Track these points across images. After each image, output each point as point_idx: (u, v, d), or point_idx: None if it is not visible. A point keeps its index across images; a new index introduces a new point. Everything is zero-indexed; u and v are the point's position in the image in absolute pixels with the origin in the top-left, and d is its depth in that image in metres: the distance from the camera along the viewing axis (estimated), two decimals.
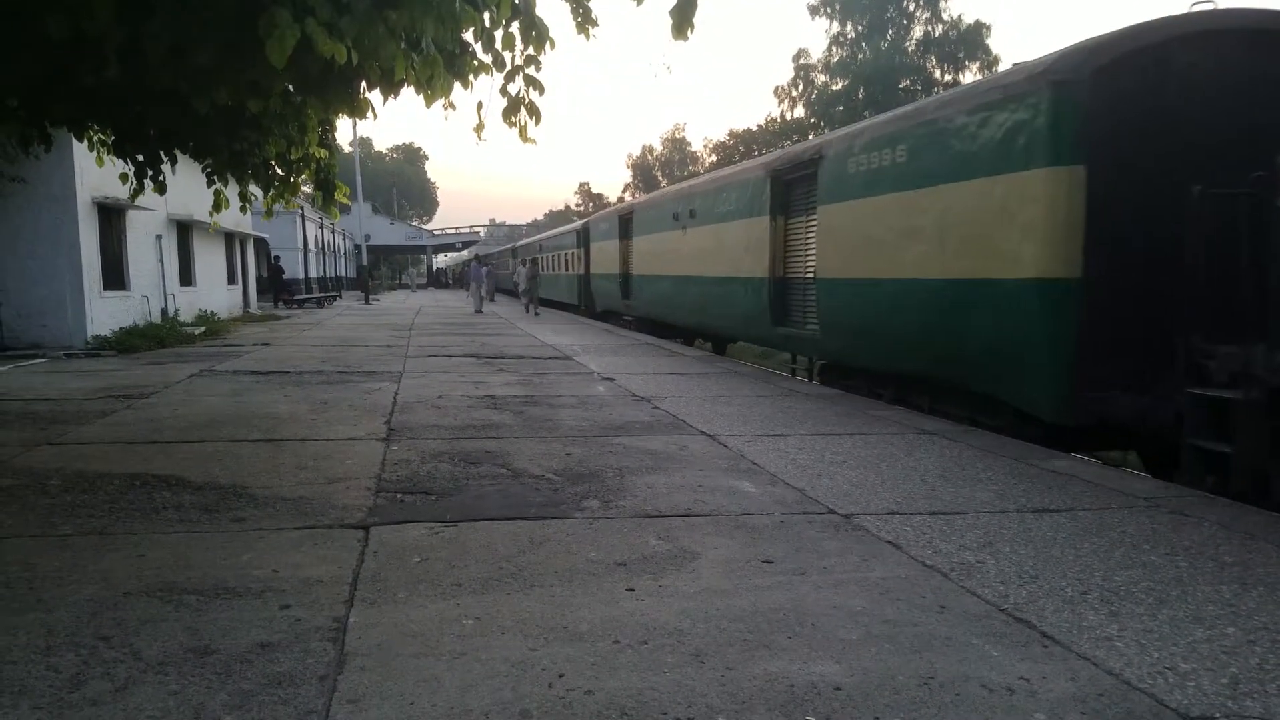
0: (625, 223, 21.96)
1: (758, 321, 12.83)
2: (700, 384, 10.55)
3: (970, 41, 53.77)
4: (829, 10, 56.10)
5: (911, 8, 54.96)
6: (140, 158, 7.65)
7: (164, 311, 18.38)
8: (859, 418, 8.18)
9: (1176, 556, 4.17)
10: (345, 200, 8.25)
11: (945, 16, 54.38)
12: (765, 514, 4.86)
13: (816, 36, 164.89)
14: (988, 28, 53.89)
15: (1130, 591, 3.71)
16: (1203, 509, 5.04)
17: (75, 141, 8.43)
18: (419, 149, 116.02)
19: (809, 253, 11.19)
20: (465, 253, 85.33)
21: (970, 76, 51.68)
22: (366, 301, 38.85)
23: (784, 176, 12.00)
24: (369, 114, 6.18)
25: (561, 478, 5.66)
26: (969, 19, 54.30)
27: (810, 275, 11.02)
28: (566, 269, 31.95)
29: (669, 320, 18.37)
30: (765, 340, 13.51)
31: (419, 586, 3.70)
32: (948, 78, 53.20)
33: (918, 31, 55.36)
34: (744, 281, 13.13)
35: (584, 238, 27.78)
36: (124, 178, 7.79)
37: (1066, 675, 2.95)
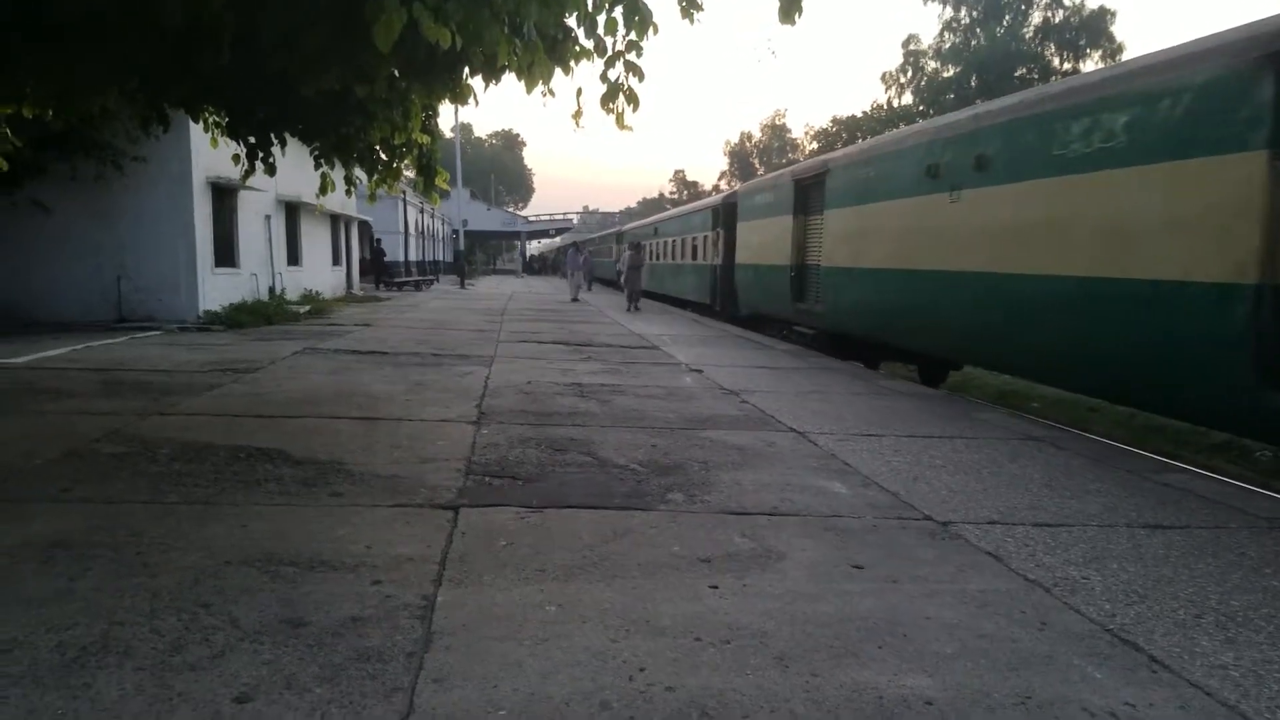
0: (806, 191, 15.14)
1: (1199, 375, 6.57)
2: (791, 379, 10.38)
3: (1093, 28, 51.56)
4: None
5: None
6: (251, 140, 7.93)
7: (271, 289, 19.07)
8: (961, 421, 7.89)
9: None
10: (445, 186, 8.37)
11: (1067, 2, 52.20)
12: (856, 517, 4.73)
13: (928, 22, 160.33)
14: (1112, 14, 51.59)
15: (1249, 618, 3.47)
16: None
17: (191, 123, 8.77)
18: (517, 135, 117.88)
19: None
20: (559, 239, 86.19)
21: (1092, 65, 49.48)
22: (462, 286, 39.64)
23: None
24: (470, 100, 6.26)
25: (646, 469, 5.63)
26: (1092, 4, 52.02)
27: None
28: (694, 257, 25.45)
29: (899, 342, 11.99)
30: (1226, 416, 6.96)
31: (504, 570, 3.73)
32: (1067, 66, 51.09)
33: (1036, 17, 53.39)
34: (1151, 290, 6.91)
35: (723, 216, 21.68)
36: (236, 159, 8.09)
37: (1176, 703, 2.77)
